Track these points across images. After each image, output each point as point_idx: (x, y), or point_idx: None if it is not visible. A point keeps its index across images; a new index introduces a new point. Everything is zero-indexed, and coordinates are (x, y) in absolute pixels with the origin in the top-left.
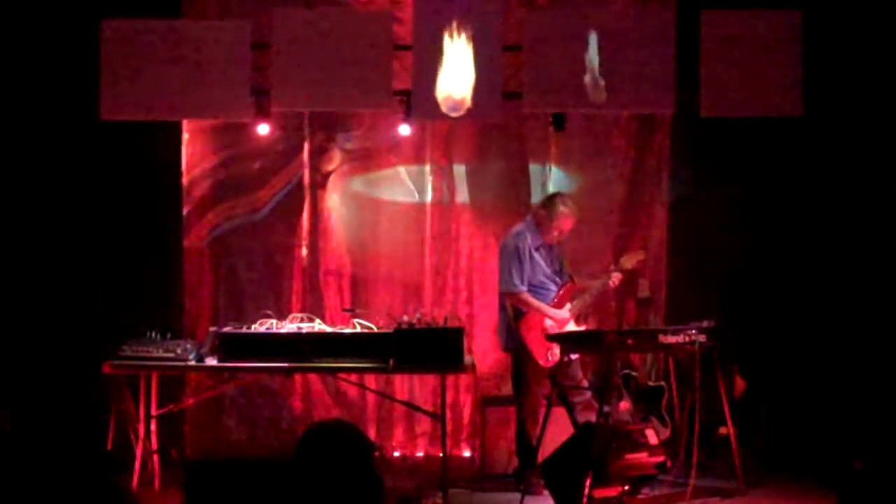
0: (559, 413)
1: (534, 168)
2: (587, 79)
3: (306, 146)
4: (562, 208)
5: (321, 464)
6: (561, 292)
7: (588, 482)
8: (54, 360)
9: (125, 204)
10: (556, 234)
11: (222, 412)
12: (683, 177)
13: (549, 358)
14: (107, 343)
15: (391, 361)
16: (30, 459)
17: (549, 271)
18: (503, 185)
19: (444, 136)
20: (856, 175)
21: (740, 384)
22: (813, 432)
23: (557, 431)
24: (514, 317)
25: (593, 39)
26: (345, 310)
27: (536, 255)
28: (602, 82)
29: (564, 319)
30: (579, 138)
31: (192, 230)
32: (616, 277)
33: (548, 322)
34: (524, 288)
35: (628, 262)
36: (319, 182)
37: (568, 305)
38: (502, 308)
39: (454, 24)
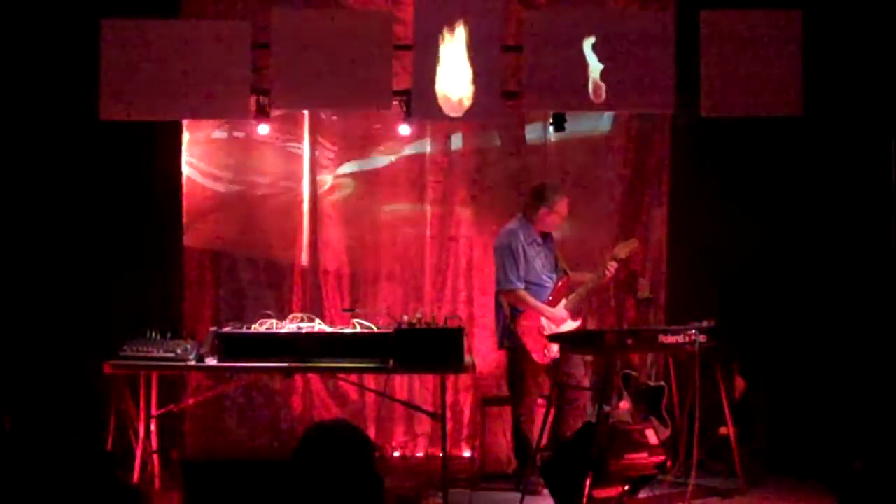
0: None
1: (533, 167)
2: (588, 82)
3: (306, 146)
4: (556, 195)
5: (321, 464)
6: (556, 287)
7: (588, 482)
8: (54, 360)
9: (125, 204)
10: (556, 220)
11: (222, 412)
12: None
13: (547, 355)
14: (107, 343)
15: (391, 361)
16: (30, 460)
17: (544, 268)
18: (503, 184)
19: (444, 136)
20: (855, 175)
21: (740, 384)
22: (813, 432)
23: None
24: (510, 315)
25: (588, 43)
26: (345, 310)
27: (531, 252)
28: (602, 84)
29: (561, 318)
30: (579, 138)
31: (192, 230)
32: (612, 267)
33: (544, 321)
34: (521, 285)
35: (622, 251)
36: (319, 182)
37: (563, 301)
38: (499, 306)
39: (454, 25)
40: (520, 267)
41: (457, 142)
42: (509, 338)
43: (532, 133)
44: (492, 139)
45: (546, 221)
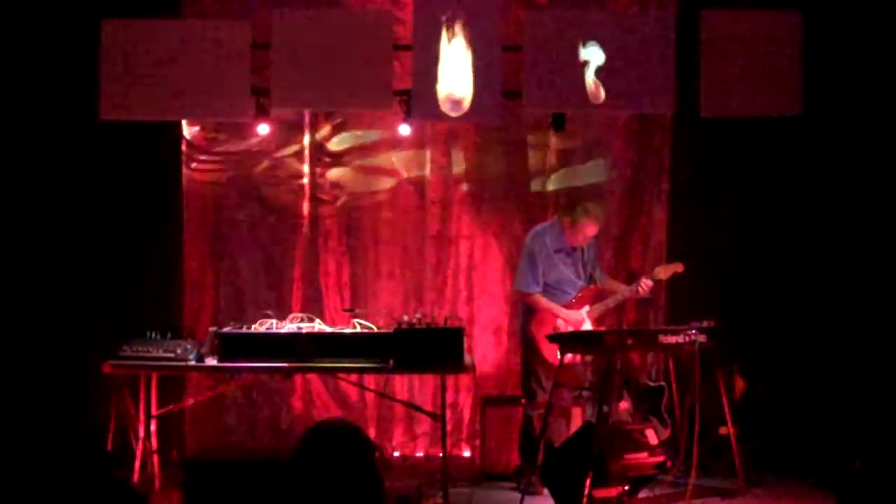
0: (577, 413)
1: (534, 168)
2: (587, 81)
3: (306, 146)
4: (585, 216)
5: (322, 464)
6: (580, 294)
7: (588, 482)
8: (54, 360)
9: (125, 204)
10: (579, 238)
11: (222, 412)
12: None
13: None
14: (107, 343)
15: (391, 361)
16: (30, 459)
17: (568, 274)
18: (503, 184)
19: (444, 136)
20: (855, 174)
21: (740, 384)
22: (812, 432)
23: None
24: (526, 311)
25: (589, 44)
26: (345, 310)
27: (555, 257)
28: (601, 84)
29: (579, 320)
30: (579, 138)
31: (192, 230)
32: (646, 285)
33: (559, 322)
34: (537, 289)
35: (663, 272)
36: (319, 182)
37: (587, 308)
38: (521, 302)
39: (454, 24)
40: (538, 271)
41: (457, 141)
42: (525, 334)
43: (532, 133)
44: (492, 139)
45: (568, 234)
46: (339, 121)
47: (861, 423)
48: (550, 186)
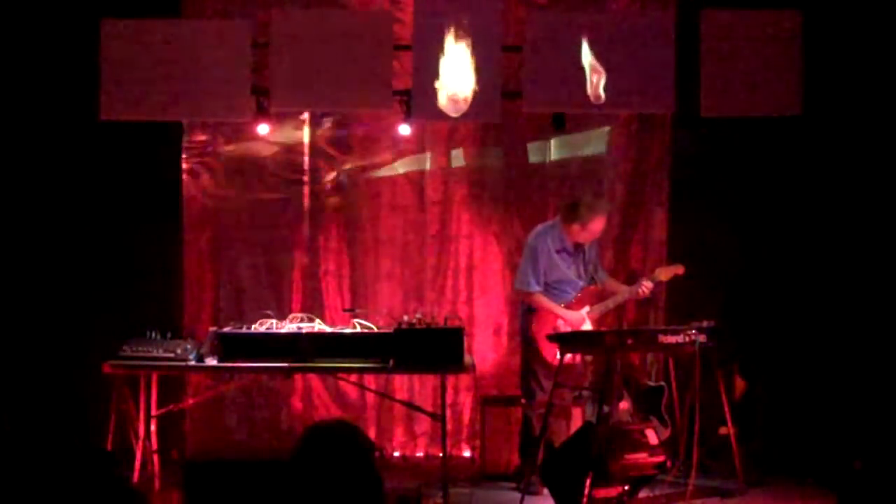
0: (577, 413)
1: (533, 168)
2: (587, 80)
3: (306, 146)
4: (592, 212)
5: (321, 464)
6: (580, 294)
7: (588, 482)
8: (54, 360)
9: (125, 204)
10: (586, 235)
11: (222, 412)
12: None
13: (558, 356)
14: (107, 343)
15: (391, 361)
16: (30, 460)
17: (569, 274)
18: (503, 184)
19: (444, 135)
20: (855, 175)
21: (740, 384)
22: (812, 432)
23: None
24: (526, 311)
25: (588, 44)
26: (345, 310)
27: (556, 257)
28: (601, 82)
29: (579, 320)
30: (579, 138)
31: (192, 231)
32: (646, 287)
33: (559, 322)
34: (538, 289)
35: (664, 273)
36: (319, 182)
37: (587, 308)
38: (521, 301)
39: (454, 24)
40: (539, 270)
41: (457, 141)
42: (524, 333)
43: (532, 132)
44: (492, 139)
45: (578, 236)
46: (341, 125)
47: (861, 423)
48: (550, 187)
